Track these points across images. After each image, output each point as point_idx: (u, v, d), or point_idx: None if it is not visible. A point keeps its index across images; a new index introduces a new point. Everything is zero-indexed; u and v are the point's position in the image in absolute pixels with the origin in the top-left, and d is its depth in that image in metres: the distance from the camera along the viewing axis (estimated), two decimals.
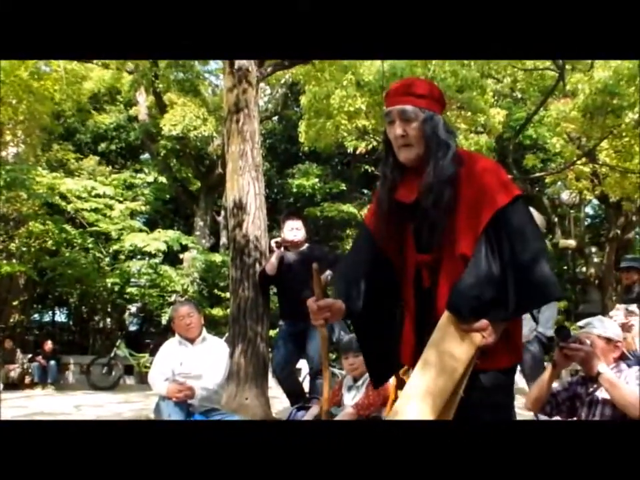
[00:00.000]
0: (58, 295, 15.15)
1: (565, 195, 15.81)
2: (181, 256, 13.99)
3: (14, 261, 12.64)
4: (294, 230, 5.26)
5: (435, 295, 2.00)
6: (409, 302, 2.14)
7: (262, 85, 10.66)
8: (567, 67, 12.33)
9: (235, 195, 5.94)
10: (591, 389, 2.74)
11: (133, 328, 17.11)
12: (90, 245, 13.23)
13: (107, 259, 13.61)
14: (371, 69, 11.58)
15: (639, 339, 3.83)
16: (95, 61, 13.45)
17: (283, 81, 15.97)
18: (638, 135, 11.25)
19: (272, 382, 6.13)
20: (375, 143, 12.74)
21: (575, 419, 2.77)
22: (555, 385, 2.84)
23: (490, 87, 13.06)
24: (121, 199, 13.71)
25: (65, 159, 15.02)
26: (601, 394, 2.67)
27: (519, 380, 5.45)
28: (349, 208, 15.24)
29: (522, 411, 2.95)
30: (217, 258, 13.34)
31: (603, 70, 10.69)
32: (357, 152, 13.40)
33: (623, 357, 2.83)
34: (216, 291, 13.63)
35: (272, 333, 7.33)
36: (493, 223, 1.90)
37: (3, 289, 13.36)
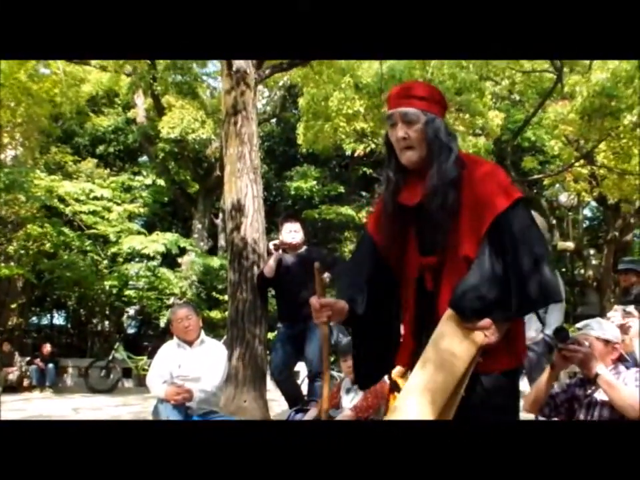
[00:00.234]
0: (56, 297, 15.15)
1: (563, 197, 15.81)
2: (180, 260, 13.99)
3: (12, 263, 12.62)
4: (292, 232, 5.25)
5: (437, 297, 2.01)
6: (409, 304, 2.14)
7: (260, 87, 10.68)
8: (565, 69, 12.33)
9: (233, 198, 5.94)
10: (589, 391, 2.73)
11: (131, 330, 17.13)
12: (88, 248, 13.20)
13: (105, 262, 13.58)
14: (369, 71, 11.60)
15: (636, 341, 3.83)
16: (93, 64, 13.45)
17: (281, 83, 15.99)
18: (636, 136, 11.27)
19: (270, 384, 6.11)
20: (373, 146, 12.75)
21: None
22: (554, 386, 2.84)
23: (488, 90, 13.09)
24: (119, 201, 13.68)
25: (63, 161, 15.01)
26: (599, 396, 2.66)
27: (520, 381, 5.41)
28: (347, 210, 15.26)
29: (521, 412, 2.94)
30: (215, 262, 13.33)
31: (601, 72, 10.70)
32: (355, 154, 13.40)
33: (621, 359, 2.82)
34: (214, 293, 13.62)
35: (270, 335, 7.32)
36: (494, 227, 1.92)
37: (1, 291, 13.34)
